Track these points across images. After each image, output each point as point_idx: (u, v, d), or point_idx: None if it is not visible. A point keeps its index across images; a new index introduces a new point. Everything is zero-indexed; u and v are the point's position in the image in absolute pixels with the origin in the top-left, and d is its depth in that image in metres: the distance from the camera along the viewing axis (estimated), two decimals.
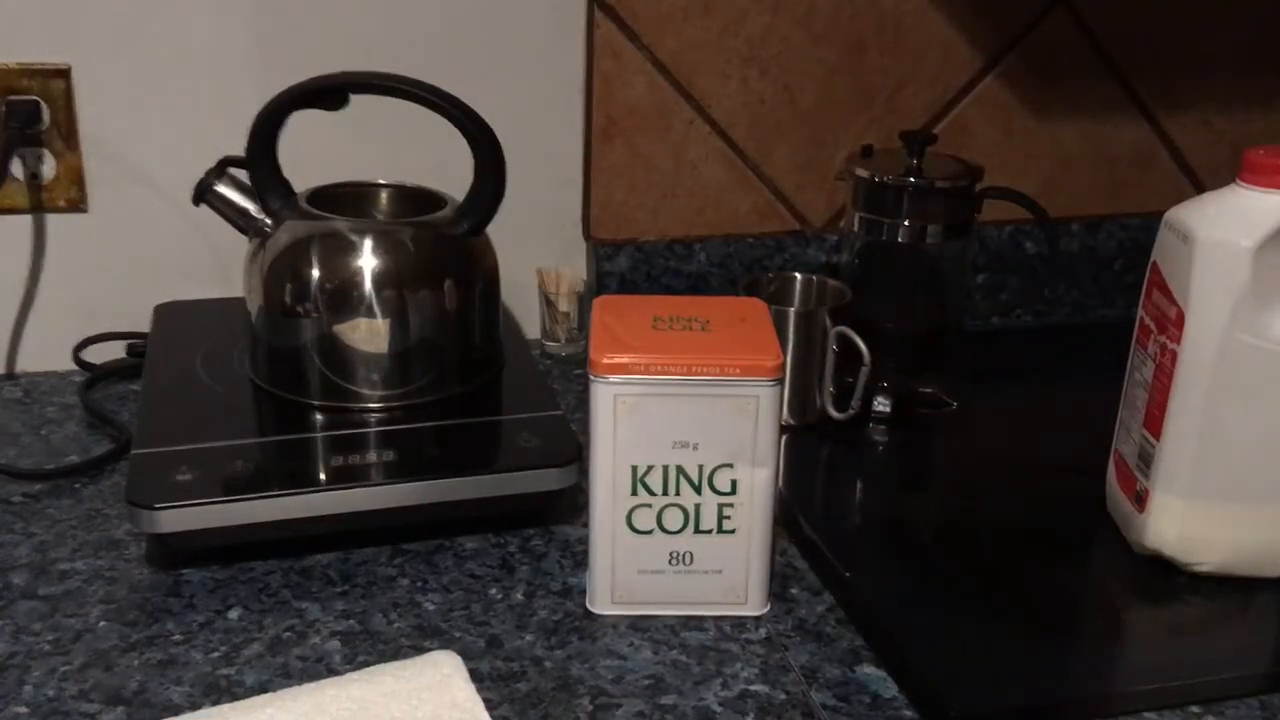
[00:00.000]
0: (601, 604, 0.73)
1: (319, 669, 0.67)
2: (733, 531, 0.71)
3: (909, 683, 0.67)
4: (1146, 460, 0.75)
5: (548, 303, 1.06)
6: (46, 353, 1.00)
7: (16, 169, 0.96)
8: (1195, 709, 0.66)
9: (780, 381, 0.68)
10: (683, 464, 0.69)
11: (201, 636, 0.69)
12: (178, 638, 0.69)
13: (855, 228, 0.97)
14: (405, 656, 0.67)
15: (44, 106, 0.95)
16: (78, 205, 0.98)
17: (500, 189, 0.85)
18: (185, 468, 0.75)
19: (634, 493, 0.70)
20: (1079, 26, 1.12)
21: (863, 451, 0.93)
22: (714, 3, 1.03)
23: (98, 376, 0.98)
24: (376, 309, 0.82)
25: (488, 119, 0.82)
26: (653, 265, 1.09)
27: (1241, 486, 0.73)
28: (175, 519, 0.72)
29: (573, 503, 0.82)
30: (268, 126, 0.84)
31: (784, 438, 0.89)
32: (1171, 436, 0.73)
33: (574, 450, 0.80)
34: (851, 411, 0.90)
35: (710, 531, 0.71)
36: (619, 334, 0.69)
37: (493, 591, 0.74)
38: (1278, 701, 0.67)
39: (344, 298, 0.82)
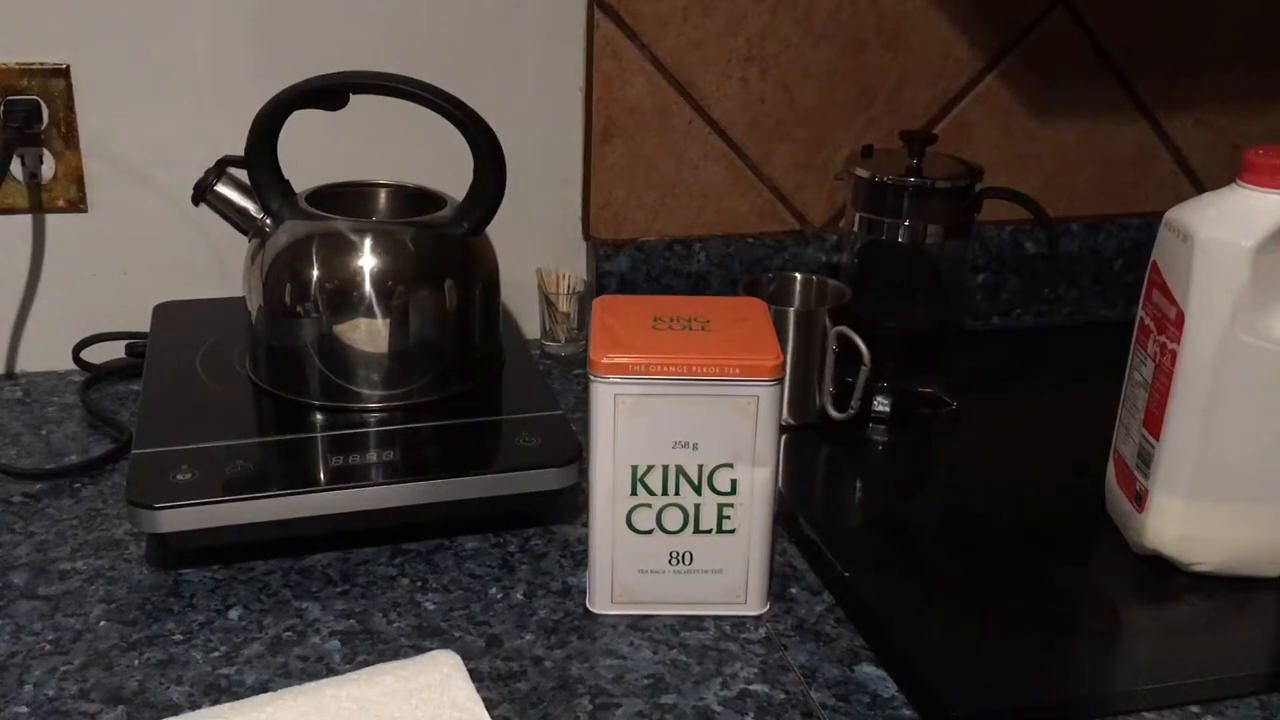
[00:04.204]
0: (601, 604, 0.73)
1: (319, 669, 0.67)
2: (732, 531, 0.71)
3: (908, 682, 0.67)
4: (1146, 460, 0.75)
5: (548, 303, 1.06)
6: (46, 353, 1.00)
7: (16, 169, 0.96)
8: (1195, 709, 0.66)
9: (780, 381, 0.68)
10: (683, 464, 0.69)
11: (201, 636, 0.69)
12: (178, 638, 0.69)
13: (855, 228, 0.97)
14: (405, 656, 0.67)
15: (44, 106, 0.95)
16: (77, 205, 0.98)
17: (500, 189, 0.85)
18: (185, 468, 0.75)
19: (634, 493, 0.70)
20: (1079, 26, 1.12)
21: (863, 451, 0.93)
22: (714, 3, 1.03)
23: (98, 376, 0.98)
24: (376, 309, 0.82)
25: (488, 119, 0.82)
26: (653, 265, 1.09)
27: (1241, 486, 0.73)
28: (175, 519, 0.72)
29: (573, 503, 0.82)
30: (267, 126, 0.84)
31: (784, 438, 0.90)
32: (1171, 436, 0.73)
33: (574, 450, 0.80)
34: (851, 411, 0.90)
35: (710, 531, 0.71)
36: (619, 334, 0.69)
37: (493, 591, 0.74)
38: (1278, 701, 0.67)
39: (344, 298, 0.82)
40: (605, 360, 0.67)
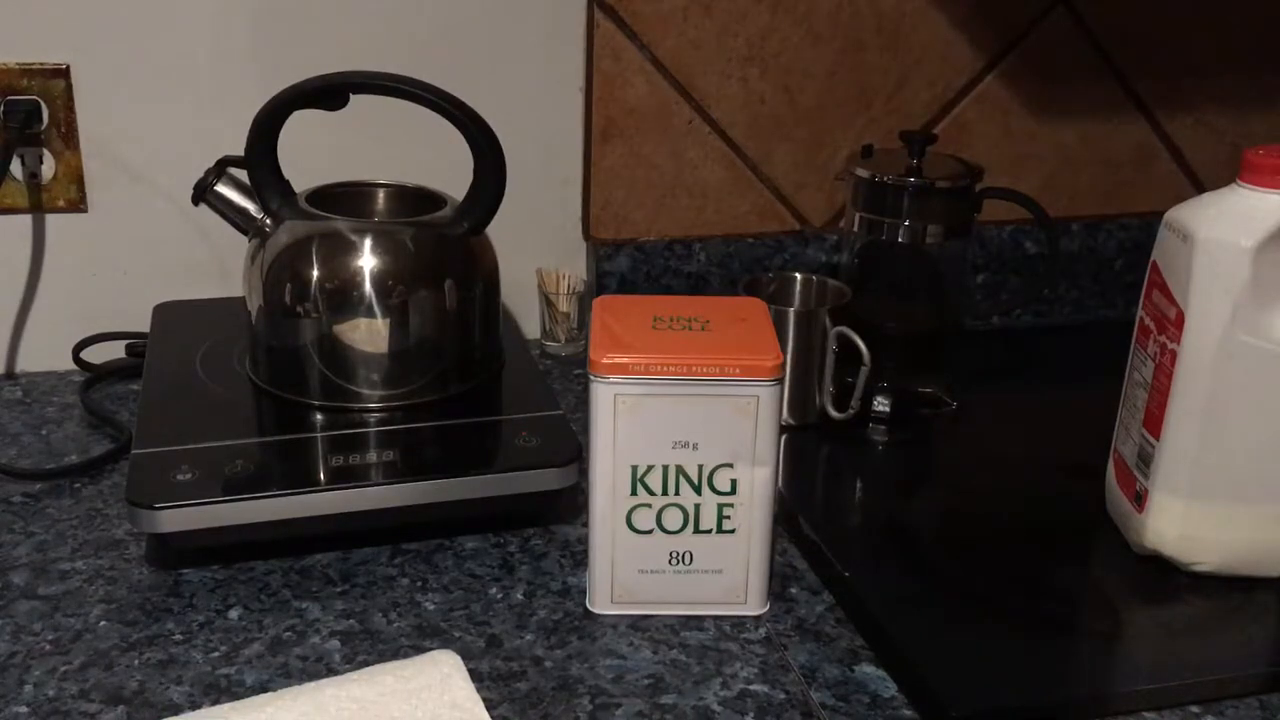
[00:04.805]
0: (601, 604, 0.73)
1: (319, 669, 0.67)
2: (732, 531, 0.71)
3: (908, 682, 0.67)
4: (1146, 460, 0.75)
5: (548, 303, 1.06)
6: (46, 353, 1.00)
7: (16, 169, 0.96)
8: (1195, 709, 0.66)
9: (780, 381, 0.68)
10: (683, 464, 0.69)
11: (201, 636, 0.69)
12: (178, 638, 0.69)
13: (855, 228, 0.97)
14: (405, 656, 0.67)
15: (44, 106, 0.95)
16: (77, 205, 0.98)
17: (500, 189, 0.85)
18: (185, 468, 0.75)
19: (634, 493, 0.70)
20: (1079, 26, 1.12)
21: (863, 451, 0.93)
22: (714, 3, 1.03)
23: (97, 376, 0.98)
24: (376, 309, 0.82)
25: (488, 119, 0.82)
26: (653, 265, 1.09)
27: (1241, 486, 0.73)
28: (175, 519, 0.72)
29: (573, 503, 0.82)
30: (267, 126, 0.84)
31: (784, 438, 0.90)
32: (1171, 436, 0.73)
33: (574, 450, 0.80)
34: (851, 411, 0.90)
35: (710, 531, 0.71)
36: (619, 334, 0.69)
37: (493, 591, 0.74)
38: (1277, 701, 0.67)
39: (344, 298, 0.82)
40: (605, 360, 0.67)
